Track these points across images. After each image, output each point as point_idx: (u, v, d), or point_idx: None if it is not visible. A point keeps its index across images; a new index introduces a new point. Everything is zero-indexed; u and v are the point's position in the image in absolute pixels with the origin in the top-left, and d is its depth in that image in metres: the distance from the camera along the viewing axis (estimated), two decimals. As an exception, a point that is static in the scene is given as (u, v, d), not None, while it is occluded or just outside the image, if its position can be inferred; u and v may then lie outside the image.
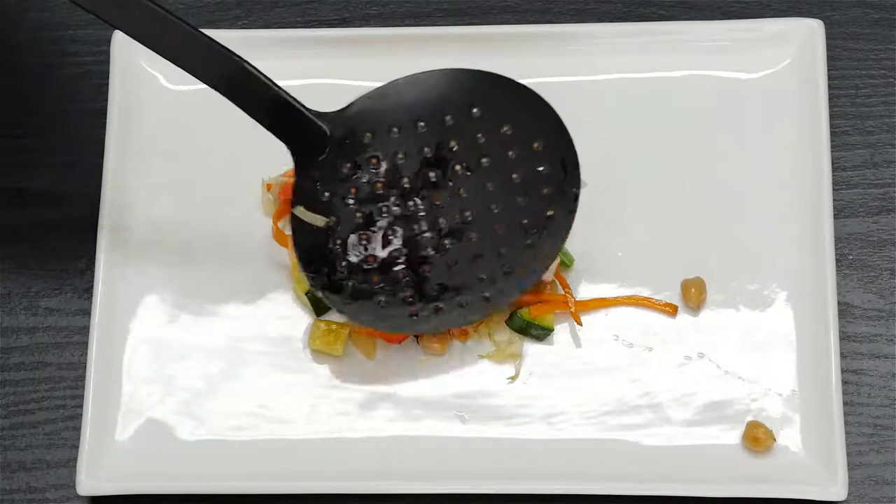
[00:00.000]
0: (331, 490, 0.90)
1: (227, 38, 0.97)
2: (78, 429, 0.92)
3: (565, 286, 0.93)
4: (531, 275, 0.90)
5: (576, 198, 0.89)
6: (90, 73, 1.01)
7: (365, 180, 0.88)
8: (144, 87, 0.98)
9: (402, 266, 0.89)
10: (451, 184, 0.89)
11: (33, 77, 1.02)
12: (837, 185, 0.97)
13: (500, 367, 0.93)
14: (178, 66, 0.84)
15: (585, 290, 0.94)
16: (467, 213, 0.89)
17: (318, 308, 0.94)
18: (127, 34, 0.83)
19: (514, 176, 0.88)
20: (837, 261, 0.94)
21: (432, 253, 0.89)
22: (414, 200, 0.88)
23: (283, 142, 0.87)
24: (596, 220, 0.95)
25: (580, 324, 0.92)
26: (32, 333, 0.96)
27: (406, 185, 0.88)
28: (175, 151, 0.98)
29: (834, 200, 0.94)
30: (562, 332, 0.94)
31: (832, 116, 0.97)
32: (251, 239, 0.96)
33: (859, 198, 0.97)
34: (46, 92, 1.01)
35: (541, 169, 0.88)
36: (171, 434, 0.92)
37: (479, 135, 0.88)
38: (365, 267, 0.89)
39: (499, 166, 0.88)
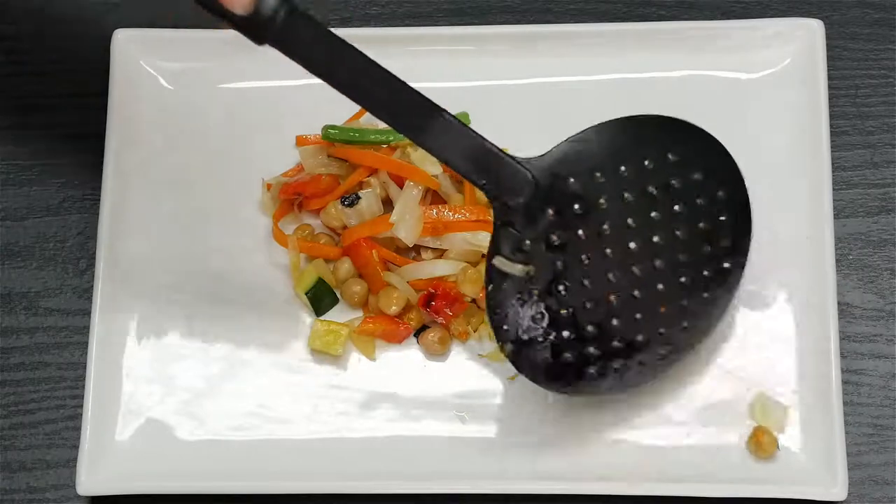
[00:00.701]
0: (331, 490, 0.90)
1: (226, 37, 0.97)
2: (78, 429, 0.92)
3: None
4: (705, 332, 0.88)
5: (747, 250, 0.88)
6: (90, 73, 1.01)
7: (566, 227, 0.86)
8: (144, 87, 0.98)
9: (595, 318, 0.86)
10: (646, 230, 0.87)
11: (33, 77, 1.02)
12: (837, 185, 0.97)
13: (500, 367, 0.93)
14: (375, 114, 0.82)
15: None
16: (658, 262, 0.87)
17: (319, 308, 0.94)
18: (332, 85, 0.81)
19: (701, 225, 0.87)
20: (837, 261, 0.94)
21: (623, 304, 0.86)
22: (612, 247, 0.86)
23: (484, 189, 0.84)
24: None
25: None
26: (32, 333, 0.96)
27: (606, 231, 0.86)
28: (175, 151, 0.98)
29: (834, 200, 0.94)
30: (562, 332, 0.94)
31: (832, 116, 0.97)
32: (251, 239, 0.96)
33: (859, 198, 0.97)
34: (47, 92, 1.01)
35: (723, 218, 0.87)
36: (171, 434, 0.92)
37: (674, 181, 0.86)
38: (559, 318, 0.86)
39: (688, 213, 0.87)
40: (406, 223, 0.92)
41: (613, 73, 0.98)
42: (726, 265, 0.87)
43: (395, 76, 0.81)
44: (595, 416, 0.91)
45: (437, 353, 0.93)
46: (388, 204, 0.95)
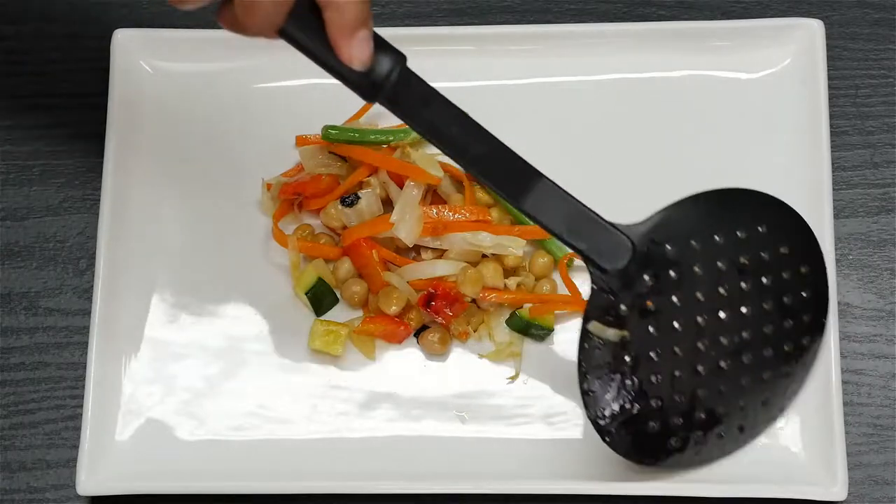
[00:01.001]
0: (331, 490, 0.90)
1: (227, 37, 0.97)
2: (78, 429, 0.92)
3: (570, 286, 0.93)
4: (781, 408, 0.89)
5: (824, 326, 0.88)
6: (90, 73, 1.01)
7: (661, 293, 0.85)
8: (144, 86, 0.98)
9: (683, 388, 0.86)
10: (736, 301, 0.86)
11: (33, 77, 1.02)
12: (837, 185, 0.97)
13: (500, 367, 0.93)
14: (476, 174, 0.83)
15: (585, 290, 0.94)
16: (745, 334, 0.86)
17: (319, 308, 0.94)
18: (435, 143, 0.82)
19: (785, 299, 0.87)
20: (837, 261, 0.94)
21: (709, 375, 0.86)
22: (703, 316, 0.86)
23: (583, 255, 0.84)
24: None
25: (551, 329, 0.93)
26: (32, 333, 0.96)
27: (699, 299, 0.86)
28: (175, 151, 0.98)
29: (834, 200, 0.94)
30: (562, 331, 0.94)
31: (832, 116, 0.97)
32: (251, 239, 0.96)
33: (859, 198, 0.97)
34: (47, 92, 1.01)
35: (805, 294, 0.87)
36: (171, 434, 0.92)
37: (763, 253, 0.86)
38: (649, 387, 0.85)
39: (774, 287, 0.87)
40: (406, 223, 0.92)
41: (613, 73, 0.98)
42: (805, 341, 0.88)
43: (496, 138, 0.82)
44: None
45: (437, 352, 0.93)
46: (388, 204, 0.95)
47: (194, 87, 0.98)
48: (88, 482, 0.90)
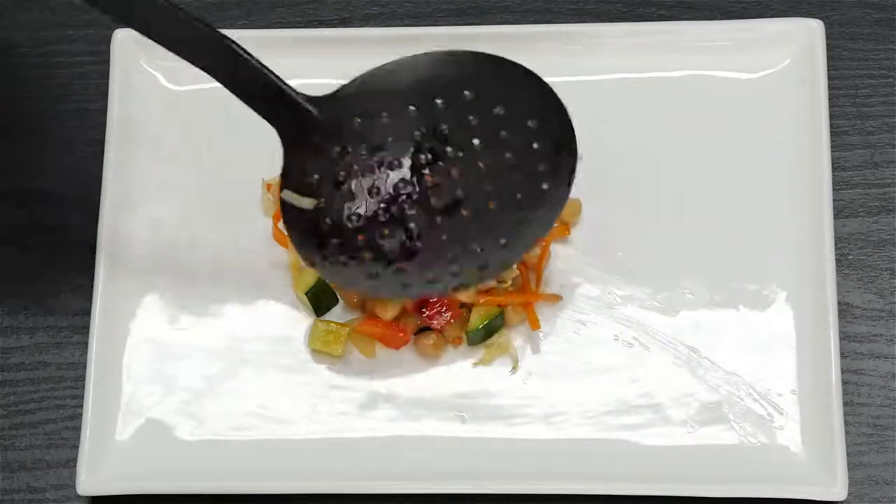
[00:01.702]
0: (331, 490, 0.90)
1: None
2: (78, 429, 0.92)
3: (536, 279, 0.94)
4: (526, 245, 0.89)
5: (572, 170, 0.87)
6: (90, 73, 1.01)
7: (355, 163, 0.87)
8: (144, 87, 0.98)
9: (394, 244, 0.88)
10: (441, 165, 0.88)
11: (33, 77, 1.02)
12: (837, 185, 0.97)
13: (499, 367, 0.93)
14: (170, 49, 0.83)
15: (585, 290, 0.94)
16: (458, 192, 0.87)
17: (319, 308, 0.94)
18: (114, 18, 0.83)
19: (508, 155, 0.87)
20: (837, 261, 0.94)
21: (423, 229, 0.88)
22: (404, 182, 0.87)
23: (272, 124, 0.86)
24: (595, 220, 0.95)
25: (536, 327, 0.93)
26: (32, 333, 0.96)
27: (397, 168, 0.88)
28: (175, 151, 0.98)
29: (834, 200, 0.94)
30: (562, 332, 0.94)
31: (832, 116, 0.97)
32: (251, 239, 0.96)
33: (859, 198, 0.97)
34: (46, 92, 1.01)
35: (535, 146, 0.87)
36: (171, 434, 0.92)
37: (471, 117, 0.87)
38: (356, 244, 0.87)
39: (491, 146, 0.87)
40: None
41: (613, 73, 0.98)
42: (544, 187, 0.87)
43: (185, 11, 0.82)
44: (595, 417, 0.91)
45: (431, 356, 0.93)
46: (388, 204, 0.95)
47: (194, 87, 0.98)
48: (88, 482, 0.90)
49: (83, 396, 0.92)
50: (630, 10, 1.02)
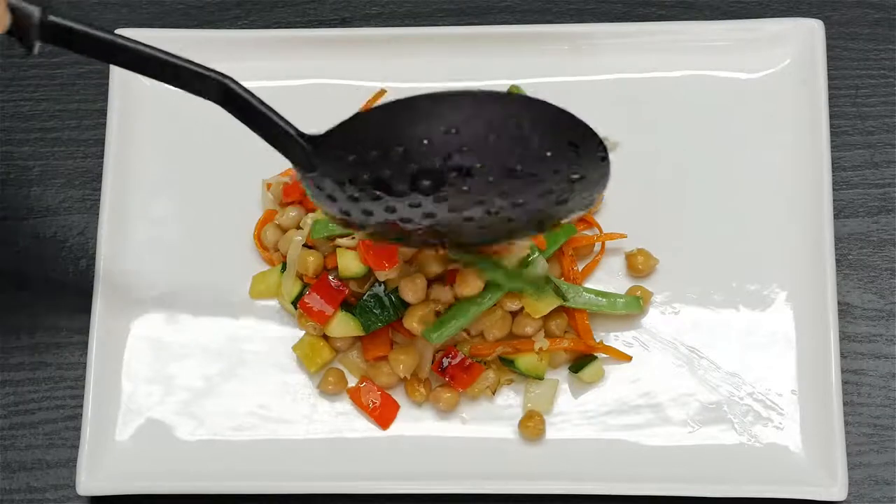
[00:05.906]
0: (331, 490, 0.90)
1: (226, 37, 0.97)
2: (78, 429, 0.92)
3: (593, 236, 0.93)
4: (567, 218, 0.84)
5: (603, 158, 0.81)
6: (90, 73, 1.01)
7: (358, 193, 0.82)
8: (144, 87, 0.98)
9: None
10: (444, 192, 0.81)
11: (33, 77, 1.02)
12: (837, 185, 0.97)
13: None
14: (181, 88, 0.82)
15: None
16: (467, 213, 0.82)
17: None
18: (105, 61, 0.81)
19: (519, 167, 0.80)
20: (837, 261, 0.94)
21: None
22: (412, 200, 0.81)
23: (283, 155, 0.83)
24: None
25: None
26: (32, 333, 0.96)
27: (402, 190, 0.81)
28: (175, 151, 0.98)
29: (834, 200, 0.94)
30: (562, 332, 0.94)
31: (832, 116, 0.97)
32: (251, 239, 0.96)
33: (859, 198, 0.97)
34: (46, 92, 1.01)
35: (549, 154, 0.80)
36: (171, 434, 0.92)
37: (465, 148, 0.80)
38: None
39: (497, 168, 0.80)
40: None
41: (613, 73, 0.98)
42: (575, 176, 0.81)
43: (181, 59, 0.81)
44: (595, 417, 0.91)
45: (446, 410, 0.92)
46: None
47: (194, 87, 0.98)
48: (88, 482, 0.90)
49: (83, 396, 0.92)
50: (630, 10, 1.02)
